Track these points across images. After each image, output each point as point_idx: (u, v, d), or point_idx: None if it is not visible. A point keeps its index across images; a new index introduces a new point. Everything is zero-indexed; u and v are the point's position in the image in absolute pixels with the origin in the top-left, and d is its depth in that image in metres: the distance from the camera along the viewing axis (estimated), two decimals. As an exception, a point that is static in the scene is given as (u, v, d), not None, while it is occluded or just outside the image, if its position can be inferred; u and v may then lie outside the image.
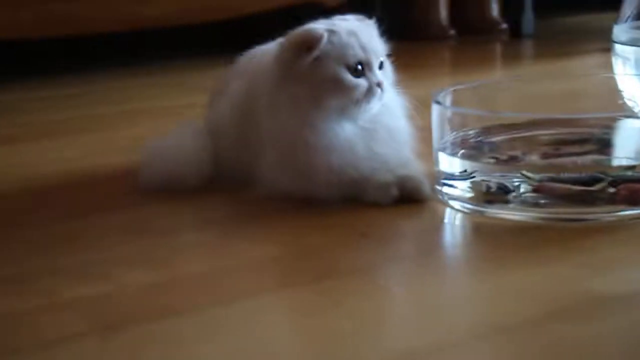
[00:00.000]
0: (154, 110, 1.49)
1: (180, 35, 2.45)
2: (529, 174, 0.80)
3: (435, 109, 0.86)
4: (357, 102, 0.84)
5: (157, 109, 1.51)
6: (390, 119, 0.87)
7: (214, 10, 2.00)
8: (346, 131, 0.85)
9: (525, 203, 0.80)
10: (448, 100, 0.91)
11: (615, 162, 0.88)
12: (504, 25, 2.33)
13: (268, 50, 0.92)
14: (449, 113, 0.88)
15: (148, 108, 1.53)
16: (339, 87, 0.83)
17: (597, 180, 0.79)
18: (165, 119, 1.21)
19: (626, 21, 1.03)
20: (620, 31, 1.03)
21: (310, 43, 0.83)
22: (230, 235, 0.82)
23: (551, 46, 2.06)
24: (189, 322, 0.63)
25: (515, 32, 2.20)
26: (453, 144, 0.88)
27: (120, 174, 1.04)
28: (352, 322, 0.62)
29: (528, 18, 2.18)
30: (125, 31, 1.97)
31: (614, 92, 1.02)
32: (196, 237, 0.83)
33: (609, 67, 1.10)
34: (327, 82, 0.83)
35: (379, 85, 0.84)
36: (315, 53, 0.83)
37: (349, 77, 0.83)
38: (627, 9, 1.03)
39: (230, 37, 2.16)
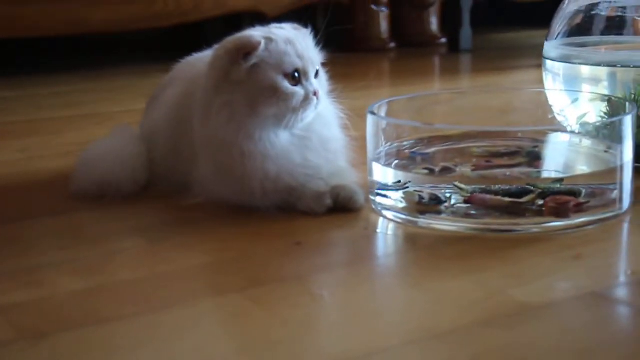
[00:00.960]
0: (97, 116, 1.48)
1: (124, 41, 2.43)
2: (461, 186, 0.82)
3: (370, 120, 0.87)
4: (294, 111, 0.83)
5: (101, 114, 1.49)
6: (323, 128, 0.87)
7: (159, 17, 2.01)
8: (282, 139, 0.85)
9: (457, 214, 0.81)
10: (383, 111, 0.92)
11: (544, 175, 0.89)
12: (443, 40, 2.37)
13: (204, 57, 0.91)
14: (383, 124, 0.89)
15: (91, 113, 1.51)
16: (276, 95, 0.82)
17: (526, 193, 0.80)
18: (109, 125, 1.19)
19: (556, 38, 1.06)
20: (550, 47, 1.05)
21: (247, 49, 0.82)
22: (164, 242, 0.82)
23: (487, 61, 2.10)
24: (121, 330, 0.63)
25: (454, 47, 2.24)
26: (387, 154, 0.89)
27: (57, 179, 1.02)
28: (285, 328, 0.62)
29: (466, 33, 2.23)
30: (73, 35, 1.97)
31: (545, 107, 1.04)
32: (129, 244, 0.82)
33: (540, 82, 1.12)
34: (263, 89, 0.82)
35: (315, 94, 0.84)
36: (253, 60, 0.82)
37: (286, 85, 0.83)
38: (557, 26, 1.06)
39: (173, 44, 2.15)
